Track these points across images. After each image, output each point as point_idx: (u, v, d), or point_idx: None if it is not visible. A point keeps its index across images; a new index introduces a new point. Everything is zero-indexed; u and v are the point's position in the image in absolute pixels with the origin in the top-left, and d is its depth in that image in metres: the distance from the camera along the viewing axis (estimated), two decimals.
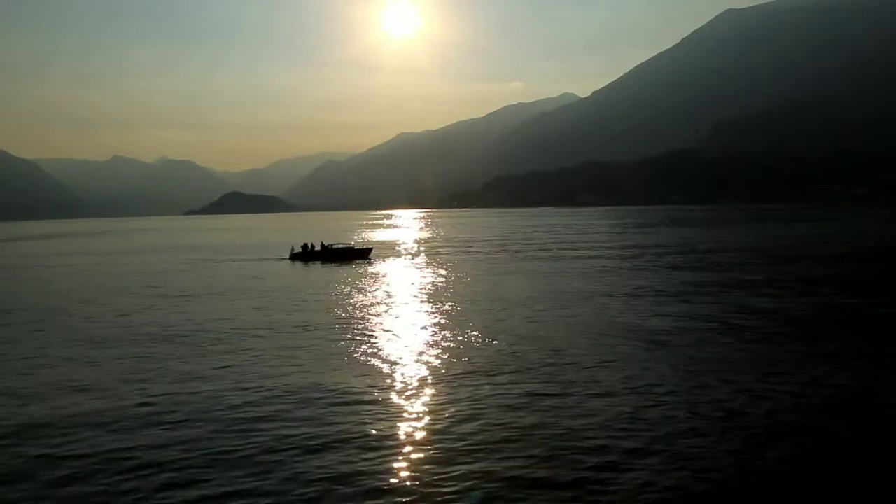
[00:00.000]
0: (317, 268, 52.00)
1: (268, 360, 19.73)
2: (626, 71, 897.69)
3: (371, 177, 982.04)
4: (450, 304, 30.29)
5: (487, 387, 16.28)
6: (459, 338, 22.28)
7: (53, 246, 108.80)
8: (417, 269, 49.40)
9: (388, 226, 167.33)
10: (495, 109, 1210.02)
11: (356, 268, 50.53)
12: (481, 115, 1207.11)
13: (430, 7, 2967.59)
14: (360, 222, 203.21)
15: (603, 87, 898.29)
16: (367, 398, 15.71)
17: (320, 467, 11.74)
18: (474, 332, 23.01)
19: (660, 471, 11.29)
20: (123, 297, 35.75)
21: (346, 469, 11.65)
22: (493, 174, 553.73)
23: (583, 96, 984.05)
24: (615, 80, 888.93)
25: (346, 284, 39.27)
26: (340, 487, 10.93)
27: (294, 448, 12.65)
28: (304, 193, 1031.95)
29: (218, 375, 18.09)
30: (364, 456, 12.20)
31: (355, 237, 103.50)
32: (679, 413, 14.08)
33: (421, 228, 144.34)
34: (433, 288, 36.98)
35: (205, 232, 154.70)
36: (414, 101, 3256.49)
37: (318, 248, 58.11)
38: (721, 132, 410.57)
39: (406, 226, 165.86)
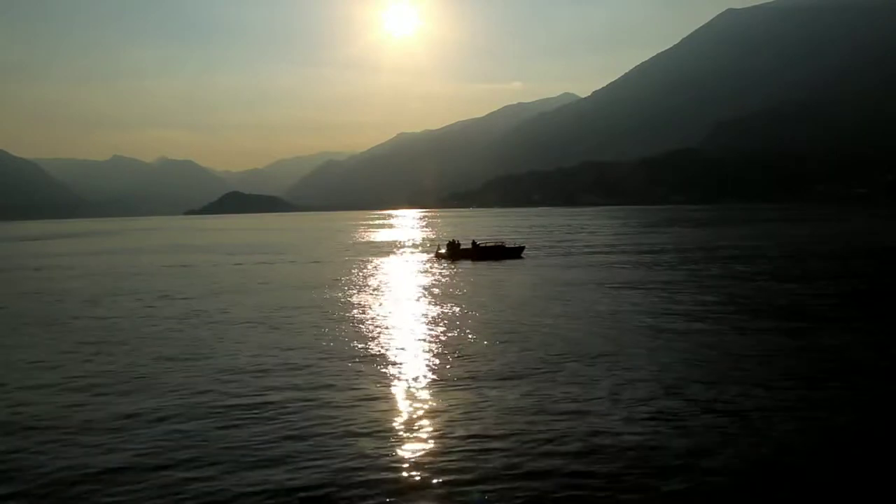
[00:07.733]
0: (473, 267, 49.26)
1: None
2: (626, 71, 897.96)
3: (371, 177, 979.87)
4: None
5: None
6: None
7: (107, 243, 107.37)
8: (580, 270, 45.52)
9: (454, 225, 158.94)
10: (495, 109, 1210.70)
11: (515, 267, 48.48)
12: (481, 115, 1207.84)
13: (430, 7, 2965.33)
14: (365, 222, 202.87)
15: (603, 87, 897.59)
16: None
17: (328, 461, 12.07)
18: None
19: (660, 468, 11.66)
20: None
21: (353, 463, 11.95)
22: (493, 174, 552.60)
23: (583, 96, 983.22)
24: (615, 80, 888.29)
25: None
26: (344, 482, 11.18)
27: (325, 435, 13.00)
28: (304, 193, 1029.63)
29: None
30: (368, 454, 12.42)
31: (358, 238, 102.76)
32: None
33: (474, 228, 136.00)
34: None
35: (272, 231, 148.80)
36: (414, 101, 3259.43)
37: (466, 245, 57.05)
38: (721, 132, 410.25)
39: (429, 225, 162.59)
